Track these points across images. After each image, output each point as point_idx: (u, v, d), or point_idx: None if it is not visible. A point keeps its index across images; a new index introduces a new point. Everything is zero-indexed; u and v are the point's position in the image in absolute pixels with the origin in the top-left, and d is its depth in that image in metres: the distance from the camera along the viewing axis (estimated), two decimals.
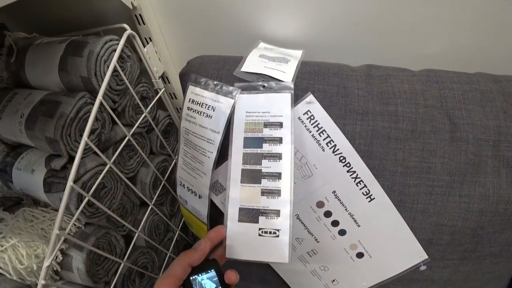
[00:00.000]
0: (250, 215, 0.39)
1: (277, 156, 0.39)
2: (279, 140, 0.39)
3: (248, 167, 0.40)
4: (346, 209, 0.42)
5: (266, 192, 0.39)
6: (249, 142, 0.40)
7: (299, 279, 0.50)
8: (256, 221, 0.39)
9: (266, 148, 0.39)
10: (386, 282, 0.46)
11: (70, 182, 0.41)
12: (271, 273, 0.51)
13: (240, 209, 0.40)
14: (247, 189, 0.39)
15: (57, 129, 0.46)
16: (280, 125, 0.40)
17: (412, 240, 0.43)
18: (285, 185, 0.38)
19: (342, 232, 0.44)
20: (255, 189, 0.39)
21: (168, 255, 0.68)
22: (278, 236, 0.38)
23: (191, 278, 0.36)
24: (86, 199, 0.45)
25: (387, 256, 0.45)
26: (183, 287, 0.36)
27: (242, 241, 0.39)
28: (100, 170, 0.49)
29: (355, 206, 0.42)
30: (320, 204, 0.42)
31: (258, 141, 0.40)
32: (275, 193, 0.39)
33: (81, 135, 0.46)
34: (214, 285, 0.37)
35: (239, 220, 0.39)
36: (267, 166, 0.39)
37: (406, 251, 0.44)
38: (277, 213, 0.38)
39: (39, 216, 0.54)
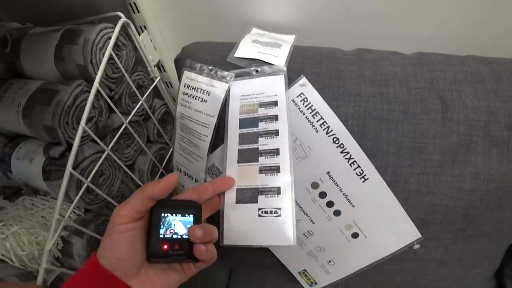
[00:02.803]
0: (248, 195, 0.37)
1: (274, 133, 0.38)
2: (275, 118, 0.39)
3: (244, 146, 0.39)
4: (340, 190, 0.43)
5: (264, 170, 0.38)
6: (244, 122, 0.40)
7: (296, 260, 0.51)
8: (255, 201, 0.37)
9: (262, 126, 0.39)
10: (381, 262, 0.47)
11: (69, 168, 0.42)
12: (270, 256, 0.52)
13: (238, 190, 0.38)
14: (244, 169, 0.38)
15: (54, 117, 0.46)
16: (274, 103, 0.40)
17: (405, 220, 0.44)
18: (284, 160, 0.37)
19: (337, 213, 0.44)
20: (252, 168, 0.38)
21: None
22: (279, 215, 0.36)
23: (162, 214, 0.31)
24: (85, 185, 0.45)
25: (382, 236, 0.46)
26: (149, 220, 0.31)
27: (241, 224, 0.37)
28: (98, 157, 0.49)
29: (350, 187, 0.43)
30: (315, 185, 0.43)
31: (254, 121, 0.40)
32: (274, 169, 0.37)
33: (78, 123, 0.47)
34: (185, 231, 0.32)
35: (237, 202, 0.37)
36: (264, 143, 0.38)
37: (400, 230, 0.45)
38: (277, 190, 0.37)
39: (39, 205, 0.55)
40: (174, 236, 0.31)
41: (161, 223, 0.31)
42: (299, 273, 0.52)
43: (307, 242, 0.48)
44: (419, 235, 0.45)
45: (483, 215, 0.45)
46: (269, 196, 0.37)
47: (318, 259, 0.49)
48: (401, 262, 0.49)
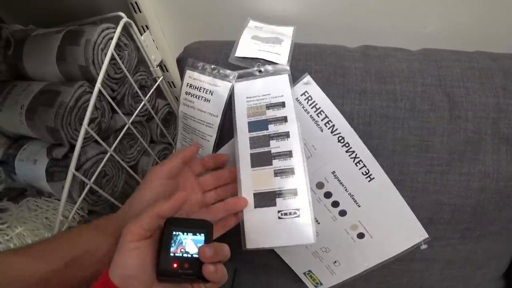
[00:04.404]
0: (266, 198, 0.38)
1: (285, 135, 0.38)
2: (284, 119, 0.39)
3: (256, 150, 0.39)
4: (346, 190, 0.42)
5: (279, 173, 0.38)
6: (253, 126, 0.40)
7: (301, 261, 0.50)
8: (273, 204, 0.37)
9: (272, 128, 0.39)
10: (387, 262, 0.47)
11: (72, 170, 0.42)
12: (275, 257, 0.52)
13: (255, 195, 0.38)
14: (258, 173, 0.38)
15: (57, 118, 0.46)
16: (282, 104, 0.39)
17: (412, 219, 0.43)
18: (298, 162, 0.37)
19: (342, 213, 0.44)
20: (267, 171, 0.38)
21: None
22: (299, 216, 0.37)
23: (173, 232, 0.32)
24: (88, 186, 0.45)
25: (388, 236, 0.45)
26: (160, 239, 0.32)
27: (261, 228, 0.37)
28: (101, 158, 0.49)
29: (355, 186, 0.42)
30: (320, 185, 0.42)
31: (263, 123, 0.39)
32: (289, 172, 0.38)
33: (81, 124, 0.46)
34: (196, 250, 0.32)
35: (256, 206, 0.38)
36: (276, 146, 0.38)
37: (406, 230, 0.44)
38: (294, 192, 0.37)
39: (43, 206, 0.55)
40: (185, 255, 0.31)
41: (172, 242, 0.31)
42: (304, 274, 0.51)
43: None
44: (426, 235, 0.44)
45: (492, 214, 0.44)
46: (287, 198, 0.37)
47: (323, 260, 0.48)
48: (408, 262, 0.48)
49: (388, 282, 0.52)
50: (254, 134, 0.40)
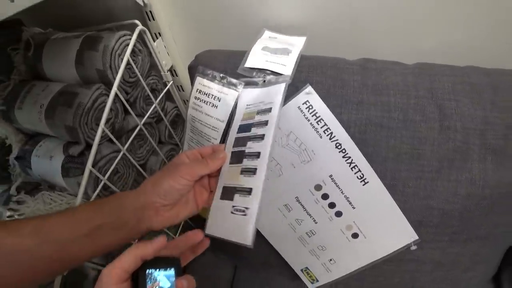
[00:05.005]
0: (228, 192, 0.41)
1: (260, 137, 0.40)
2: (265, 123, 0.40)
3: (236, 149, 0.42)
4: (342, 192, 0.45)
5: (244, 171, 0.40)
6: (241, 128, 0.43)
7: (299, 259, 0.53)
8: (231, 198, 0.40)
9: (253, 131, 0.41)
10: (379, 262, 0.50)
11: (89, 166, 0.45)
12: (274, 255, 0.55)
13: (224, 188, 0.41)
14: (231, 169, 0.41)
15: (75, 118, 0.49)
16: (269, 110, 0.41)
17: (403, 222, 0.46)
18: (262, 164, 0.39)
19: (338, 214, 0.47)
20: (237, 168, 0.40)
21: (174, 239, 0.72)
22: (246, 215, 0.38)
23: (147, 271, 0.34)
24: (102, 182, 0.48)
25: (380, 237, 0.48)
26: (134, 278, 0.34)
27: (219, 218, 0.41)
28: (114, 157, 0.52)
29: (351, 189, 0.45)
30: (318, 187, 0.46)
31: (248, 126, 0.42)
32: (251, 171, 0.39)
33: (97, 124, 0.50)
34: (169, 285, 0.34)
35: (221, 198, 0.41)
36: (250, 146, 0.41)
37: (398, 232, 0.47)
38: (249, 191, 0.39)
39: (57, 200, 0.58)
40: None
41: (147, 279, 0.33)
42: (301, 270, 0.54)
43: (310, 241, 0.50)
44: (416, 237, 0.47)
45: (478, 219, 0.47)
46: (242, 195, 0.39)
47: (320, 258, 0.52)
48: (399, 262, 0.51)
49: (380, 282, 0.55)
50: (240, 135, 0.43)
